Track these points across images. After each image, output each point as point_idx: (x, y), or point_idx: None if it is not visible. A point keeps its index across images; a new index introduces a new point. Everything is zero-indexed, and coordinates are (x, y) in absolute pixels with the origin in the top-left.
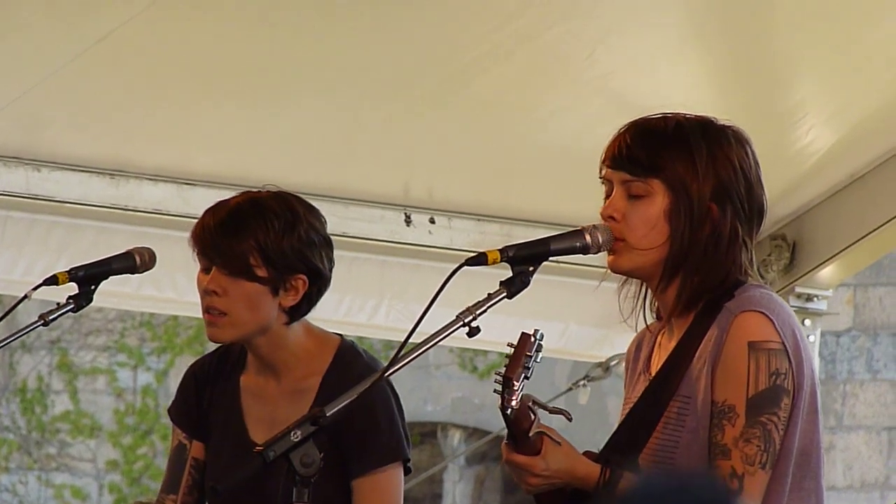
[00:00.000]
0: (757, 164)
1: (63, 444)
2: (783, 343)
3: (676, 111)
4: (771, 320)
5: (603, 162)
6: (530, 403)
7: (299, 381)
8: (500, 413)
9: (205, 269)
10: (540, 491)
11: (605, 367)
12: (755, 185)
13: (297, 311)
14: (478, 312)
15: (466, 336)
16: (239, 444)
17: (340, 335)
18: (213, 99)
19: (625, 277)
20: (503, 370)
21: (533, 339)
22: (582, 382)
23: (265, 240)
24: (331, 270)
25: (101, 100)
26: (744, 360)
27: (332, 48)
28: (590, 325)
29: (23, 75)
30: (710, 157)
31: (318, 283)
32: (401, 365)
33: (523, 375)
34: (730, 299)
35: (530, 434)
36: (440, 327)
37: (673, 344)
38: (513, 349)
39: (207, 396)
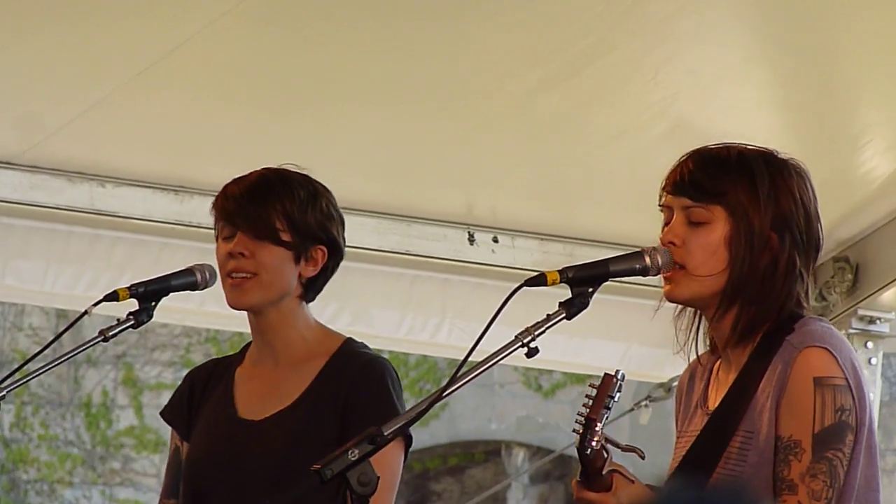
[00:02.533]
0: (815, 197)
1: (127, 459)
2: (846, 379)
3: (738, 141)
4: (835, 357)
5: (664, 188)
6: (604, 441)
7: (299, 363)
8: (569, 436)
9: (226, 238)
10: None
11: (667, 387)
12: (813, 218)
13: (313, 285)
14: (536, 333)
15: (525, 356)
16: (224, 417)
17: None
18: (277, 114)
19: (680, 307)
20: (585, 411)
21: (615, 379)
22: (644, 403)
23: (291, 207)
24: (344, 247)
25: (166, 115)
26: (810, 395)
27: (398, 64)
28: (651, 346)
29: (88, 90)
30: (772, 187)
31: (335, 258)
32: (460, 385)
33: (605, 416)
34: (790, 333)
35: (603, 472)
36: (499, 347)
37: (731, 377)
38: (595, 390)
39: (199, 395)
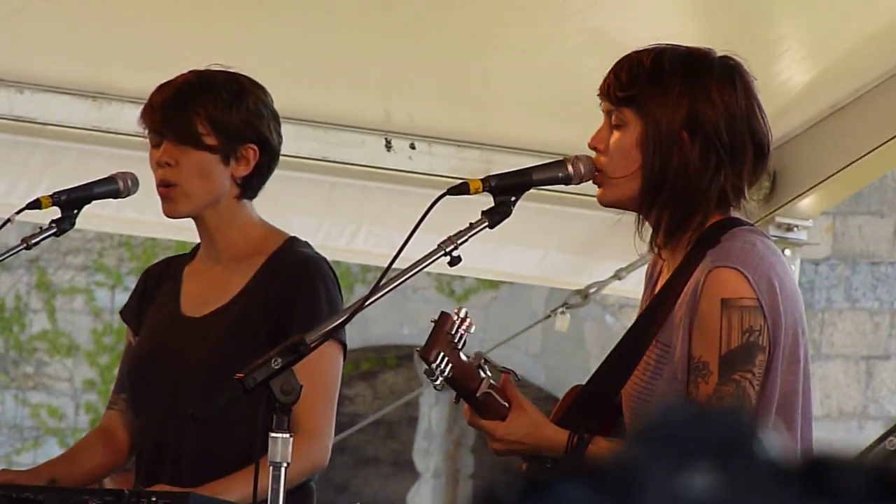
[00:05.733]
0: (749, 95)
1: (40, 364)
2: (758, 299)
3: (675, 43)
4: (746, 277)
5: (597, 95)
6: (481, 362)
7: (241, 259)
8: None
9: (155, 146)
10: (505, 456)
11: (584, 294)
12: (740, 116)
13: (249, 184)
14: (459, 242)
15: (448, 265)
16: (168, 314)
17: (294, 237)
18: (195, 19)
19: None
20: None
21: (456, 316)
22: (560, 310)
23: (213, 109)
24: (280, 145)
25: (84, 20)
26: (716, 317)
27: None
28: (569, 252)
29: None
30: (685, 86)
31: (269, 155)
32: (382, 293)
33: (450, 350)
34: (715, 244)
35: (478, 395)
36: (422, 256)
37: (663, 281)
38: (432, 326)
39: (151, 293)
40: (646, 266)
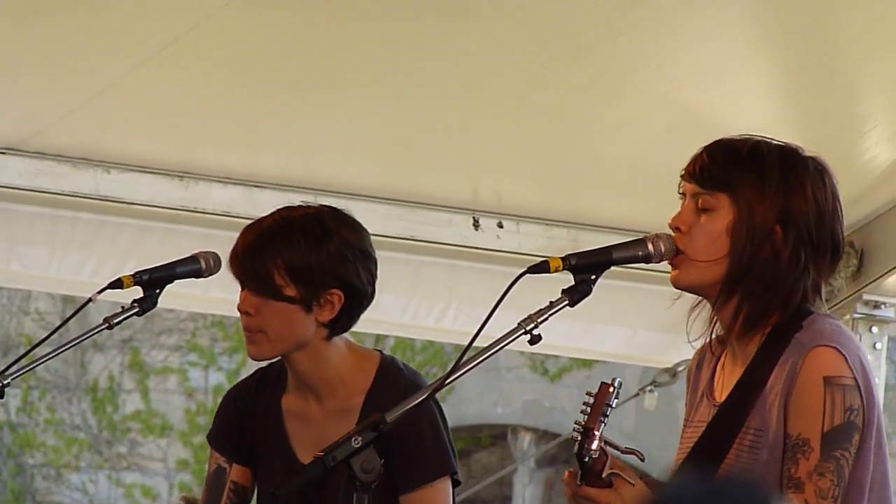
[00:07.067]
0: (836, 198)
1: (134, 444)
2: (855, 379)
3: (763, 136)
4: (844, 356)
5: (681, 175)
6: (603, 444)
7: (342, 400)
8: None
9: (242, 289)
10: None
11: (672, 372)
12: (827, 217)
13: (337, 326)
14: (539, 320)
15: (528, 343)
16: (288, 468)
17: (380, 351)
18: (282, 101)
19: (698, 299)
20: (583, 419)
21: (612, 388)
22: (649, 388)
23: (292, 258)
24: (371, 284)
25: (171, 101)
26: (819, 395)
27: (403, 52)
28: (657, 331)
29: (93, 76)
30: (783, 181)
31: (357, 297)
32: (462, 372)
33: (602, 424)
34: (799, 330)
35: (603, 475)
36: (503, 333)
37: (738, 371)
38: (592, 398)
39: (248, 420)
40: None
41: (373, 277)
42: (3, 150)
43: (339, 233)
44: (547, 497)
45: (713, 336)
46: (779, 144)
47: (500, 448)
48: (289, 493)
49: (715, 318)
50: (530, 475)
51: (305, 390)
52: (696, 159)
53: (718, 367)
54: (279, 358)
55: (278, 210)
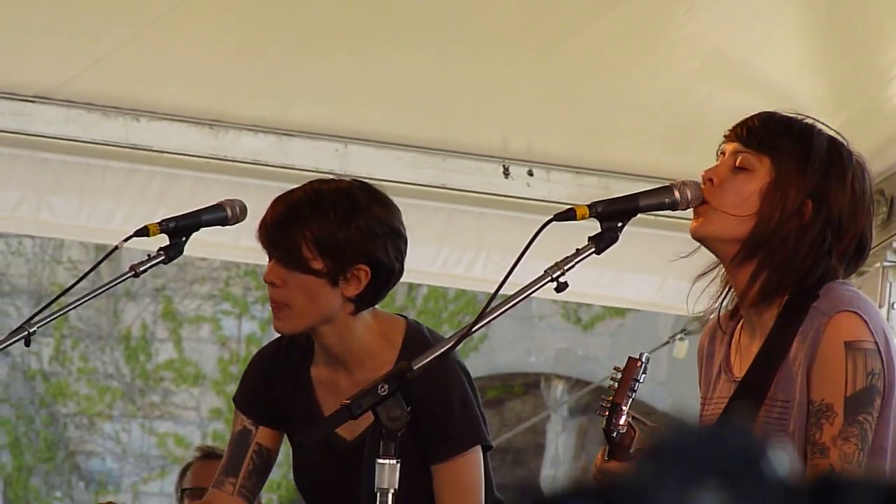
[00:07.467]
0: (871, 197)
1: (167, 393)
2: (876, 343)
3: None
4: (864, 320)
5: (724, 135)
6: (631, 419)
7: (370, 371)
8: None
9: (270, 259)
10: None
11: (703, 320)
12: (861, 210)
13: (363, 301)
14: (566, 268)
15: (555, 291)
16: (323, 440)
17: (405, 317)
18: (313, 50)
19: (708, 266)
20: (611, 394)
21: (639, 363)
22: (679, 336)
23: (320, 231)
24: (399, 261)
25: (201, 50)
26: (841, 359)
27: (434, 0)
28: (687, 279)
29: (122, 25)
30: (825, 163)
31: (384, 274)
32: (490, 319)
33: (630, 398)
34: (815, 299)
35: (631, 450)
36: (530, 281)
37: (756, 344)
38: (620, 373)
39: (277, 385)
40: None
41: (401, 255)
42: (32, 99)
43: (369, 208)
44: (580, 445)
45: (724, 307)
46: (829, 131)
47: (532, 396)
48: (315, 440)
49: (728, 284)
50: (563, 423)
51: (334, 362)
52: (745, 121)
53: (734, 342)
54: None
55: (310, 182)
